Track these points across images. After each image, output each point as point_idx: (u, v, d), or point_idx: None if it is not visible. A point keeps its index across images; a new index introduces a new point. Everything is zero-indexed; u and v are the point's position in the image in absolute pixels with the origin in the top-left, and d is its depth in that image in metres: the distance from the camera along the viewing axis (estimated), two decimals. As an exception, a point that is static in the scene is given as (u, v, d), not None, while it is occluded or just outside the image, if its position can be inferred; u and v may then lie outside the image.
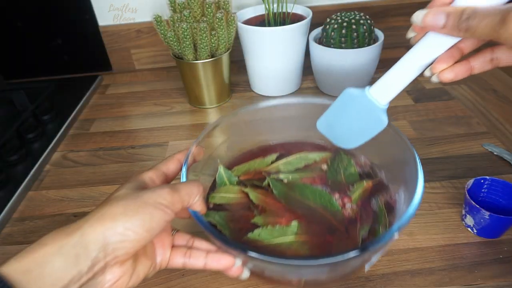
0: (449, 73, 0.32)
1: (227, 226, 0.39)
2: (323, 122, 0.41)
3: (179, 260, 0.36)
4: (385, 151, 0.42)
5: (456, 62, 0.33)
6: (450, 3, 0.30)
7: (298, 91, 0.79)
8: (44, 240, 0.28)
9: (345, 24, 0.69)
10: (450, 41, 0.31)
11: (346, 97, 0.38)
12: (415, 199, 0.33)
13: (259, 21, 0.76)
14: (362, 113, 0.37)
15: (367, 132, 0.38)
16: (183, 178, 0.37)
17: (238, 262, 0.35)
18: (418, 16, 0.31)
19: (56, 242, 0.27)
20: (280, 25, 0.72)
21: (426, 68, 0.33)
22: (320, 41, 0.74)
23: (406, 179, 0.38)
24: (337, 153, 0.46)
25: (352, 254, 0.29)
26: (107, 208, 0.30)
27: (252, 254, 0.31)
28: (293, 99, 0.48)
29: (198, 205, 0.34)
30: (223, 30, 0.68)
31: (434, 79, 0.33)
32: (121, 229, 0.28)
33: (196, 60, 0.70)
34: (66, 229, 0.28)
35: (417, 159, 0.36)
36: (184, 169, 0.38)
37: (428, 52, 0.32)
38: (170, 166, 0.39)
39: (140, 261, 0.33)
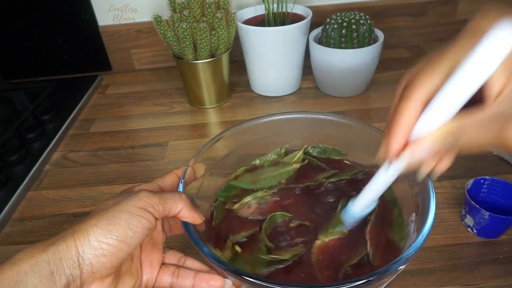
0: (444, 164, 0.29)
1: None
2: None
3: (167, 279, 0.34)
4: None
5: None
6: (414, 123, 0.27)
7: (298, 91, 0.79)
8: (17, 258, 0.26)
9: (345, 24, 0.69)
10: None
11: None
12: (424, 228, 0.33)
13: (259, 21, 0.76)
14: None
15: None
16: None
17: (229, 283, 0.33)
18: (407, 159, 0.27)
19: (29, 259, 0.25)
20: (280, 25, 0.72)
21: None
22: (320, 41, 0.74)
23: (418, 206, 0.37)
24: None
25: (356, 283, 0.28)
26: (83, 222, 0.28)
27: (244, 275, 0.29)
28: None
29: (187, 213, 0.32)
30: (223, 30, 0.68)
31: (434, 177, 0.30)
32: (95, 242, 0.27)
33: (196, 60, 0.70)
34: (41, 244, 0.27)
35: (431, 190, 0.35)
36: (181, 184, 0.37)
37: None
38: (166, 180, 0.37)
39: (122, 279, 0.31)
